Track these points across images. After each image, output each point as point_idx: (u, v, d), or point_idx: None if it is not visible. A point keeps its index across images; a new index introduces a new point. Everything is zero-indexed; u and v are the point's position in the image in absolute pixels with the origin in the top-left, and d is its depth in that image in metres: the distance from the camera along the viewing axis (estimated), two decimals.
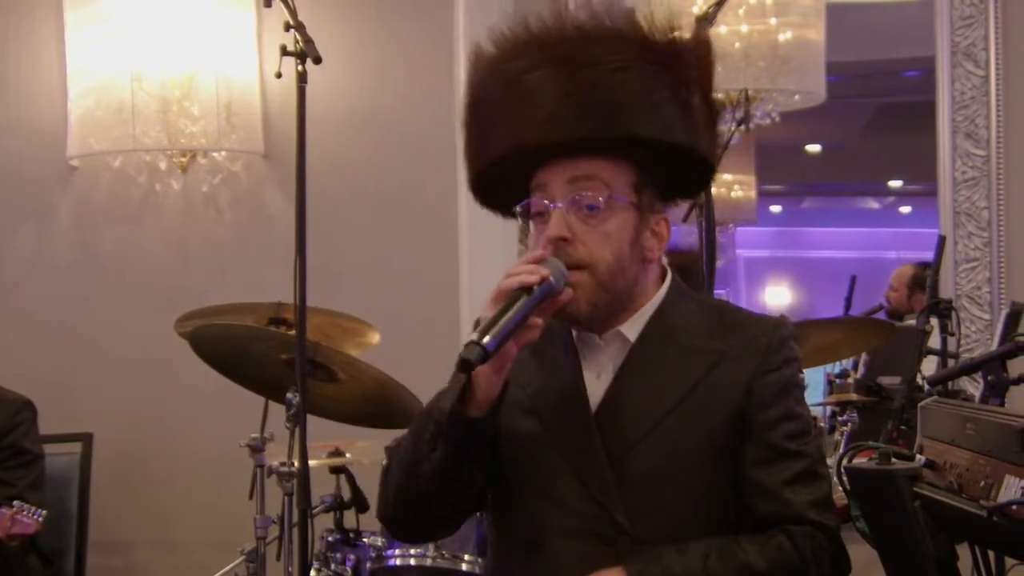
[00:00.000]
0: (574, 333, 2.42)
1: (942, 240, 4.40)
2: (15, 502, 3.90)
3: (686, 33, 2.38)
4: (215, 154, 5.01)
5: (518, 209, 2.38)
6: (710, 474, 2.35)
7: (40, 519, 3.86)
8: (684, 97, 2.34)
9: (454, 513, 2.46)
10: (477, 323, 2.27)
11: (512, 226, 5.11)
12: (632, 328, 2.39)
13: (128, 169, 5.01)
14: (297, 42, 3.63)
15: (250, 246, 5.08)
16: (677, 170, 2.40)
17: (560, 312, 2.30)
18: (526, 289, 2.20)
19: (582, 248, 2.30)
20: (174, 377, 4.94)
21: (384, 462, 2.50)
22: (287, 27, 3.65)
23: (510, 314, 2.18)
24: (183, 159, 5.01)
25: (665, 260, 2.46)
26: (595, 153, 2.31)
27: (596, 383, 2.38)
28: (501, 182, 2.41)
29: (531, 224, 2.38)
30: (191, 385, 4.82)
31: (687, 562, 2.25)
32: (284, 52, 3.64)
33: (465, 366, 2.13)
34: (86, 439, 4.72)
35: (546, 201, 2.32)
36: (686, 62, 2.36)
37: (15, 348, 5.07)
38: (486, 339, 2.14)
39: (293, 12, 3.67)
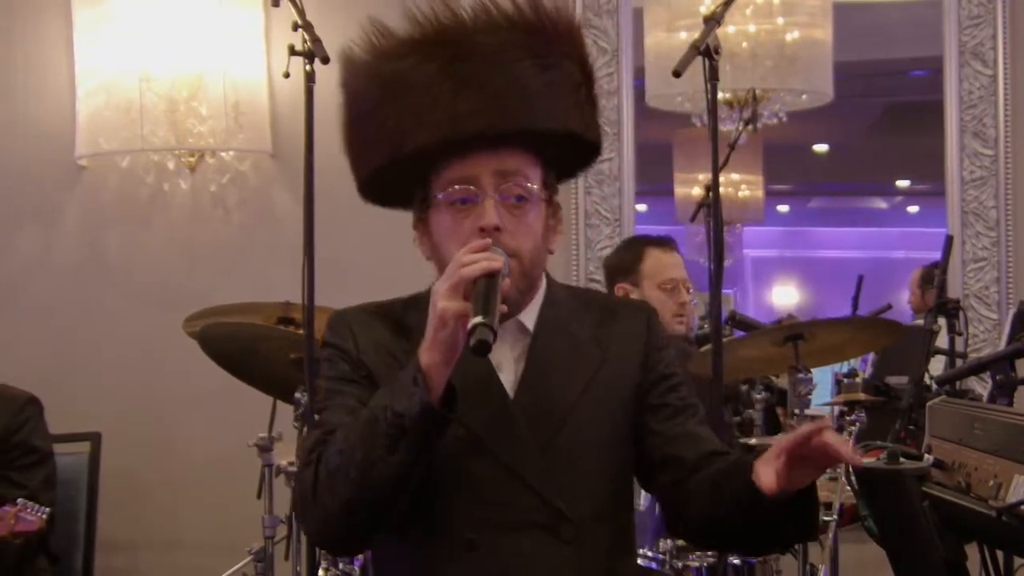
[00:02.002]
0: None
1: (950, 240, 4.39)
2: (19, 500, 3.89)
3: (567, 21, 2.39)
4: (223, 154, 5.02)
5: (439, 199, 2.36)
6: (618, 453, 2.42)
7: (44, 516, 3.85)
8: (583, 87, 2.39)
9: (391, 520, 2.33)
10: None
11: None
12: (528, 318, 2.41)
13: (136, 169, 5.02)
14: (305, 42, 3.64)
15: (258, 245, 5.09)
16: (567, 157, 2.46)
17: None
18: (491, 275, 2.19)
19: (510, 238, 2.31)
20: (182, 377, 4.95)
21: (300, 474, 2.35)
22: (295, 27, 3.66)
23: (484, 301, 2.15)
24: (191, 159, 5.01)
25: None
26: (515, 147, 2.34)
27: (502, 374, 2.38)
28: (397, 180, 2.41)
29: (439, 215, 2.36)
30: (199, 385, 4.83)
31: None
32: (292, 52, 3.65)
33: (483, 348, 2.10)
34: (94, 439, 4.71)
35: (474, 193, 2.32)
36: (570, 49, 2.39)
37: (22, 347, 5.08)
38: (494, 322, 2.12)
39: (301, 12, 3.68)
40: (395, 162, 2.35)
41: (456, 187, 2.32)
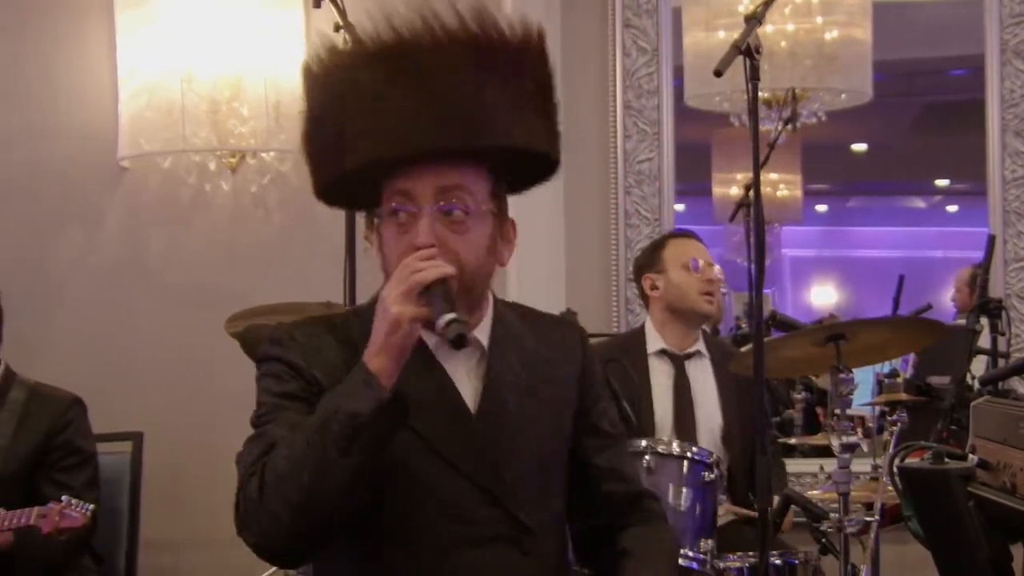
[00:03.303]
0: (428, 340, 2.37)
1: (992, 239, 4.39)
2: (63, 496, 3.92)
3: (521, 33, 2.35)
4: (264, 154, 5.03)
5: (382, 211, 2.37)
6: (564, 467, 2.50)
7: (88, 513, 3.88)
8: (536, 99, 2.36)
9: (341, 528, 2.32)
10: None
11: (556, 226, 5.14)
12: (482, 333, 2.41)
13: (178, 170, 5.04)
14: (347, 43, 3.65)
15: (298, 246, 5.10)
16: (525, 170, 2.45)
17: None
18: (444, 280, 2.22)
19: (449, 254, 2.29)
20: (223, 376, 4.96)
21: (243, 484, 2.38)
22: (336, 28, 3.68)
23: (454, 299, 2.20)
24: (232, 159, 5.03)
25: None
26: (458, 162, 2.33)
27: (468, 389, 2.40)
28: (356, 186, 2.40)
29: (384, 226, 2.38)
30: (240, 384, 4.80)
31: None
32: None
33: (461, 341, 2.15)
34: (136, 438, 4.74)
35: (412, 208, 2.32)
36: (529, 64, 2.36)
37: (65, 348, 5.11)
38: (459, 315, 2.16)
39: (343, 12, 3.70)
40: (344, 174, 2.36)
41: (395, 201, 2.33)
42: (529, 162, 2.41)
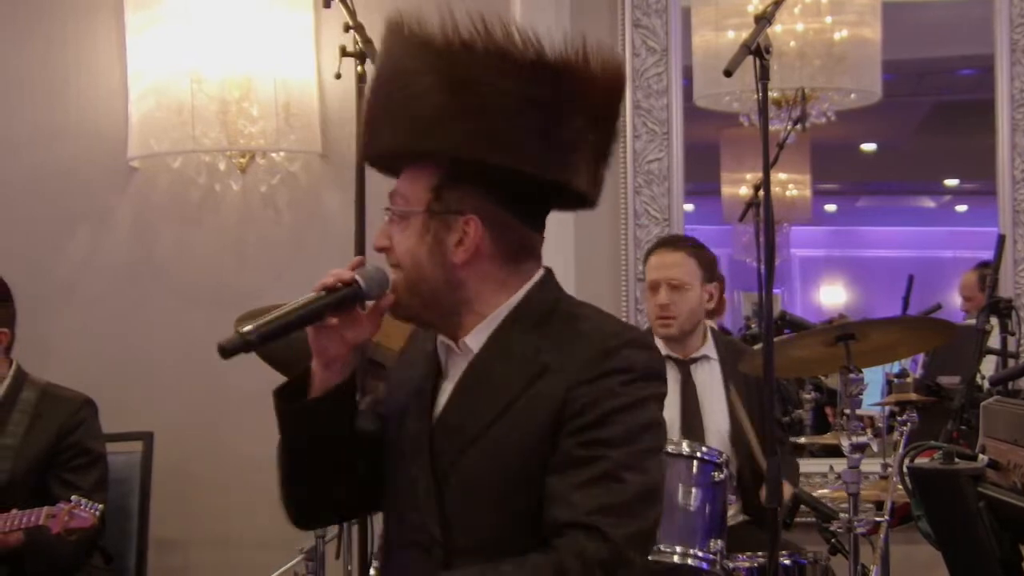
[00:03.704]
0: (440, 342, 2.42)
1: (1001, 239, 4.38)
2: (72, 496, 3.93)
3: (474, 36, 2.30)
4: (274, 154, 5.04)
5: None
6: (528, 488, 2.27)
7: (96, 513, 3.89)
8: (509, 110, 2.28)
9: (345, 501, 2.51)
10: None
11: (565, 226, 5.13)
12: (476, 338, 2.36)
13: (188, 170, 5.05)
14: (356, 43, 3.66)
15: (308, 246, 5.11)
16: (526, 189, 2.34)
17: (391, 314, 2.39)
18: (328, 289, 2.32)
19: (393, 254, 2.37)
20: (233, 376, 4.94)
21: None
22: (346, 28, 3.68)
23: (286, 310, 2.29)
24: (242, 160, 5.04)
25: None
26: (411, 165, 2.37)
27: (443, 395, 2.40)
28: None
29: None
30: (250, 384, 4.82)
31: None
32: (344, 53, 3.68)
33: (220, 351, 2.26)
34: (147, 438, 4.75)
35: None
36: (486, 69, 2.28)
37: (75, 347, 5.12)
38: (247, 328, 2.26)
39: (352, 13, 3.70)
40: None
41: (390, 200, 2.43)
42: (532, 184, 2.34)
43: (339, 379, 2.38)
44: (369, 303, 2.36)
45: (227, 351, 2.25)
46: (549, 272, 2.42)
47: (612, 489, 2.19)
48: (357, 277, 2.33)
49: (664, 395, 2.32)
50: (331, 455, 2.40)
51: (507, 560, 2.22)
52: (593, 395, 2.24)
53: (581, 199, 2.41)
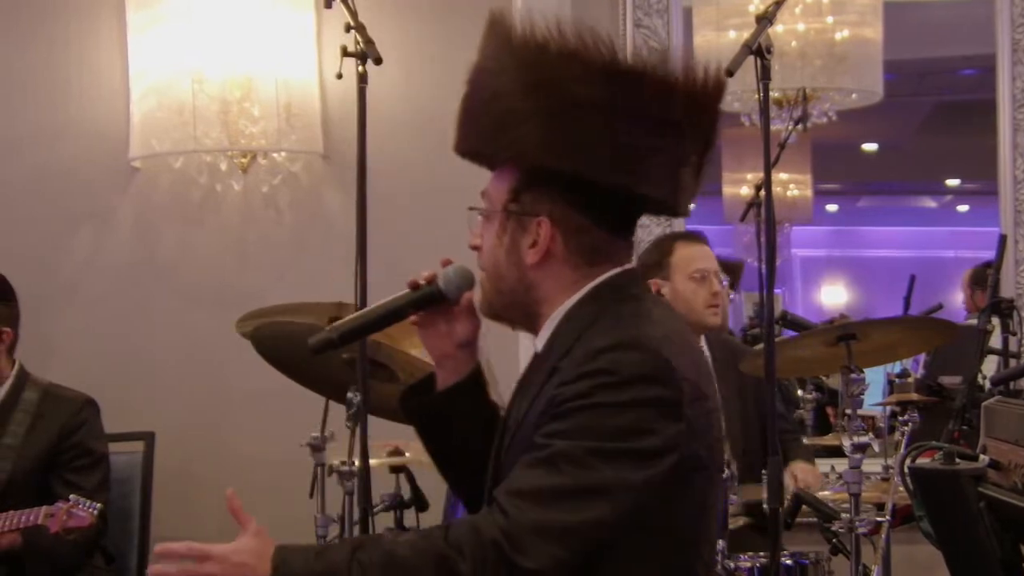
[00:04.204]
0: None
1: (1003, 239, 4.38)
2: (71, 496, 3.93)
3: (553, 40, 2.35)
4: (275, 155, 5.04)
5: None
6: None
7: (95, 512, 3.89)
8: (591, 115, 2.29)
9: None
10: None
11: None
12: (542, 338, 2.41)
13: (189, 170, 5.05)
14: (358, 43, 3.65)
15: (309, 246, 5.11)
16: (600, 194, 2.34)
17: (481, 312, 2.47)
18: (412, 287, 2.43)
19: (480, 254, 2.43)
20: (235, 377, 4.98)
21: None
22: (348, 28, 3.68)
23: (371, 308, 2.42)
24: (243, 160, 5.04)
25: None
26: (498, 165, 2.40)
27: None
28: None
29: None
30: (252, 384, 4.85)
31: (336, 549, 2.26)
32: (345, 53, 3.67)
33: (311, 349, 2.36)
34: (148, 438, 4.75)
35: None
36: (563, 73, 2.31)
37: (77, 347, 5.12)
38: (334, 325, 2.36)
39: (354, 13, 3.69)
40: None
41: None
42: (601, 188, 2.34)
43: (455, 378, 2.47)
44: (460, 301, 2.46)
45: (313, 349, 2.35)
46: (618, 274, 2.37)
47: (540, 475, 2.18)
48: (439, 279, 2.42)
49: (665, 398, 2.22)
50: (461, 449, 2.51)
51: (428, 532, 2.26)
52: (567, 394, 2.21)
53: (661, 205, 2.44)
